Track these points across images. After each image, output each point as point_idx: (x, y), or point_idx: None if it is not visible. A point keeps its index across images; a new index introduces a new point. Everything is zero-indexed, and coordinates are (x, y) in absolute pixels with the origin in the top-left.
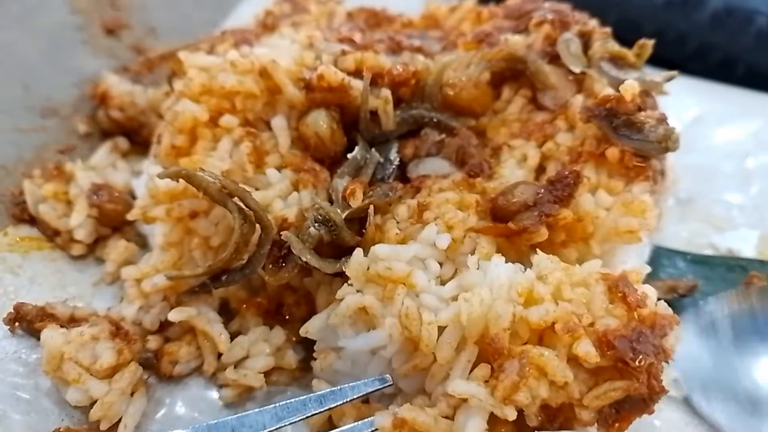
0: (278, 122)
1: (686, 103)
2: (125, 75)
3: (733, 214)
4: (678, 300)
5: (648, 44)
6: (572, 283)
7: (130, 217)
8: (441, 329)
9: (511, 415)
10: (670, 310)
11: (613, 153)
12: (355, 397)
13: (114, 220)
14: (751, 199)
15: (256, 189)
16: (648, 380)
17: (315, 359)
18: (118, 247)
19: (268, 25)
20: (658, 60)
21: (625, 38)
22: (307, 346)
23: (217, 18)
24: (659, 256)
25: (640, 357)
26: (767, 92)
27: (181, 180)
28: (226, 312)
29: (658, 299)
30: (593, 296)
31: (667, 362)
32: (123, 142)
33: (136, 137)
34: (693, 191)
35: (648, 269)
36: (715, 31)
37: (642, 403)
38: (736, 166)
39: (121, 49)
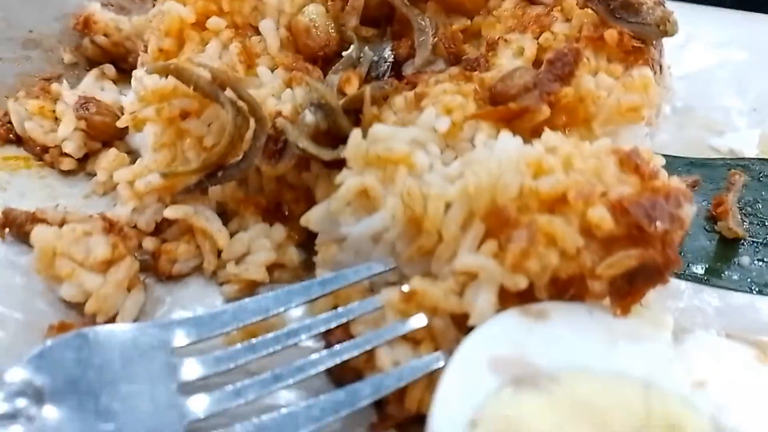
0: (267, 24)
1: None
2: (109, 8)
3: (732, 118)
4: None
5: None
6: (583, 156)
7: (119, 123)
8: (446, 207)
9: (522, 282)
10: (683, 185)
11: (611, 35)
12: (358, 279)
13: (104, 133)
14: (749, 102)
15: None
16: (663, 249)
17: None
18: (108, 156)
19: None
20: None
21: None
22: (310, 247)
23: None
24: None
25: (657, 223)
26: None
27: (170, 78)
28: (224, 216)
29: None
30: (605, 167)
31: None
32: (110, 70)
33: (123, 64)
34: (690, 99)
35: (662, 160)
36: None
37: (656, 273)
38: (731, 73)
39: None
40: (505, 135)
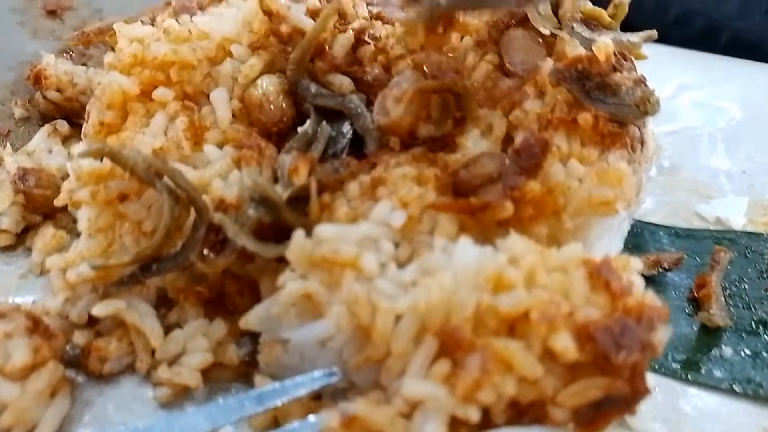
0: (218, 94)
1: (667, 72)
2: (66, 57)
3: (720, 181)
4: (663, 275)
5: (624, 3)
6: (548, 268)
7: (57, 202)
8: (396, 319)
9: (474, 415)
10: (659, 301)
11: (585, 118)
12: (299, 394)
13: (43, 207)
14: (739, 163)
15: (194, 168)
16: (631, 379)
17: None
18: (45, 236)
19: None
20: (635, 29)
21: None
22: (255, 338)
23: None
24: (642, 232)
25: (624, 352)
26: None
27: (106, 159)
28: (166, 302)
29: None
30: (572, 283)
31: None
32: (62, 126)
33: (77, 120)
34: (676, 159)
35: (639, 265)
36: None
37: (623, 403)
38: (721, 131)
39: (64, 31)
40: (465, 241)
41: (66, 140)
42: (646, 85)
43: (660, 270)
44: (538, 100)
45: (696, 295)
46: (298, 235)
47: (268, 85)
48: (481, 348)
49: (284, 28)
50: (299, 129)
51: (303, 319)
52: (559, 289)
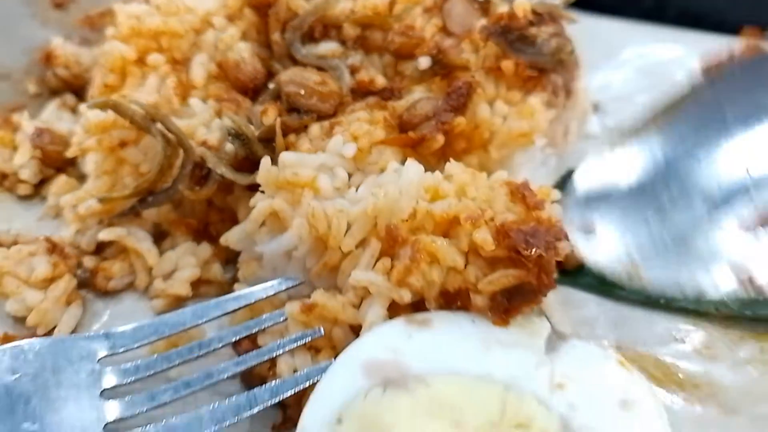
0: (199, 59)
1: (619, 43)
2: (73, 41)
3: None
4: None
5: None
6: (477, 185)
7: (68, 154)
8: (350, 226)
9: (407, 296)
10: (561, 223)
11: (507, 65)
12: (267, 294)
13: (57, 161)
14: None
15: (182, 119)
16: (538, 272)
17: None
18: (58, 182)
19: None
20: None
21: None
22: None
23: None
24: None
25: (533, 249)
26: None
27: (110, 111)
28: (161, 235)
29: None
30: (496, 196)
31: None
32: (70, 99)
33: (83, 93)
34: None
35: (557, 195)
36: None
37: (532, 294)
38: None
39: (71, 21)
40: (411, 162)
41: (74, 111)
42: (563, 37)
43: None
44: (474, 54)
45: None
46: (266, 161)
47: (244, 49)
48: (412, 242)
49: None
50: (270, 86)
51: (272, 234)
52: (484, 200)
